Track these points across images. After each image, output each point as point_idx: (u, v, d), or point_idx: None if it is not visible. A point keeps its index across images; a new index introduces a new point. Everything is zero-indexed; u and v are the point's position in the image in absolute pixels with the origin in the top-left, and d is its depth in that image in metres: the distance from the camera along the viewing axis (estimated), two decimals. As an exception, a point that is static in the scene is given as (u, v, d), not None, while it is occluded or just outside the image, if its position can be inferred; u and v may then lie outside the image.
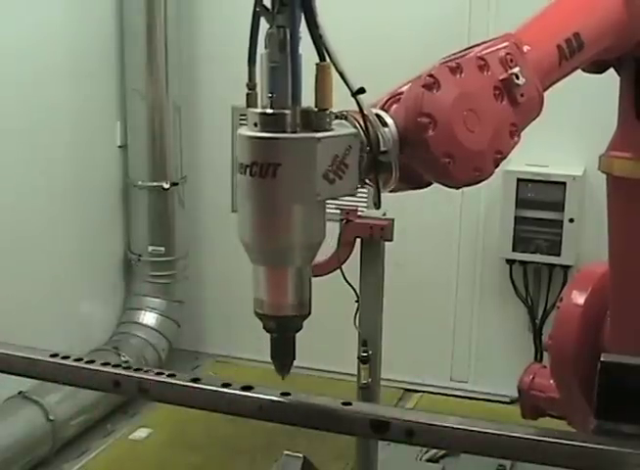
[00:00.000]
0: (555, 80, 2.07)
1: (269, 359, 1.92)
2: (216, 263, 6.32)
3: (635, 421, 1.53)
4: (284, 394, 1.60)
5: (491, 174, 1.78)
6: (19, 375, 2.16)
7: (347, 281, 4.03)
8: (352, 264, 4.04)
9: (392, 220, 3.99)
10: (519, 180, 5.24)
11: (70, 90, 5.26)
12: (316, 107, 1.66)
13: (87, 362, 2.07)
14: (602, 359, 1.59)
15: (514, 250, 5.38)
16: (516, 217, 5.29)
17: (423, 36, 5.33)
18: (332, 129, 1.66)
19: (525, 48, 1.93)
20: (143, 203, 5.92)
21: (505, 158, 1.80)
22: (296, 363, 1.88)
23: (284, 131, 1.58)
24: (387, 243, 4.05)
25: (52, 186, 5.19)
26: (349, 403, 1.53)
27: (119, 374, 1.93)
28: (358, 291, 4.06)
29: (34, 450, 4.74)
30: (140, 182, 5.83)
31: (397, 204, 5.05)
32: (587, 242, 5.37)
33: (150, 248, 5.96)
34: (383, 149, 1.76)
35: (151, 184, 5.84)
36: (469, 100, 1.75)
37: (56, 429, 4.85)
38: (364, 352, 4.10)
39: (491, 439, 1.44)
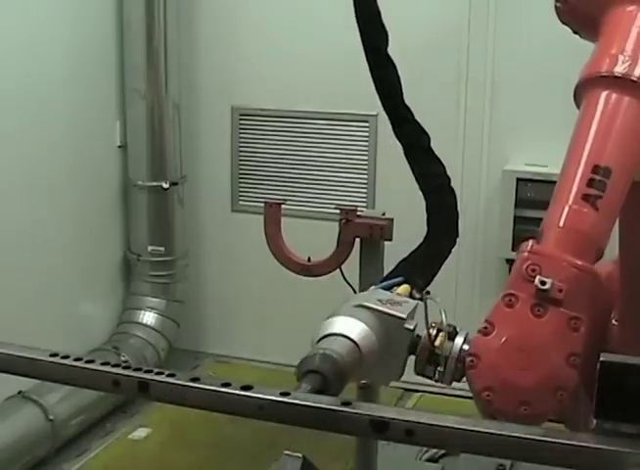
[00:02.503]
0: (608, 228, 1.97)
1: (269, 359, 1.93)
2: (216, 263, 6.33)
3: (635, 421, 1.53)
4: (284, 394, 1.58)
5: (551, 411, 1.85)
6: (18, 375, 2.17)
7: (347, 281, 4.01)
8: (352, 264, 4.03)
9: (392, 220, 3.98)
10: (518, 180, 5.23)
11: (70, 90, 5.26)
12: None
13: (87, 362, 2.07)
14: (602, 359, 1.57)
15: (513, 250, 5.27)
16: (515, 217, 5.28)
17: (423, 37, 5.35)
18: None
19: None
20: (143, 203, 5.92)
21: (569, 392, 1.84)
22: (296, 363, 1.89)
23: None
24: (386, 243, 4.02)
25: (52, 186, 5.20)
26: (349, 403, 1.53)
27: (119, 374, 1.90)
28: (358, 291, 4.01)
29: (34, 450, 4.75)
30: (140, 182, 5.83)
31: (397, 203, 5.09)
32: None
33: (150, 248, 5.96)
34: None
35: (150, 184, 5.85)
36: (519, 341, 1.78)
37: (55, 429, 4.86)
38: None
39: (491, 439, 1.44)
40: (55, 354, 2.19)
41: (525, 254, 1.78)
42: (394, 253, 4.46)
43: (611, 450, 1.44)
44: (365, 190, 5.76)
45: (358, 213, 4.04)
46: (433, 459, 4.63)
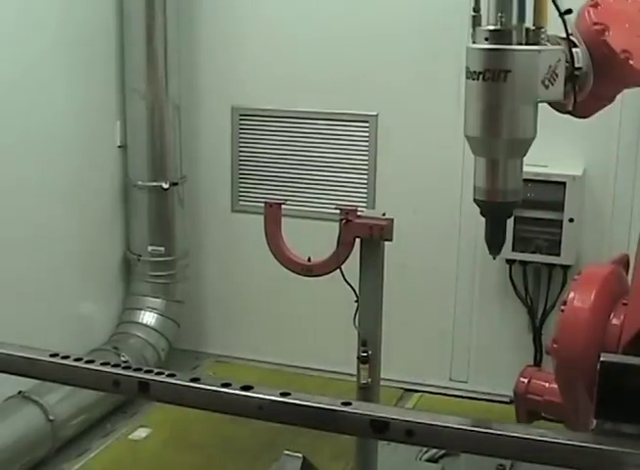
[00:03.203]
0: None
1: (269, 359, 1.93)
2: (216, 263, 6.33)
3: (635, 421, 1.53)
4: (284, 394, 1.59)
5: None
6: (19, 375, 2.17)
7: (347, 281, 4.02)
8: (352, 264, 4.03)
9: (392, 220, 3.99)
10: (518, 180, 5.25)
11: (70, 90, 5.27)
12: (534, 25, 2.05)
13: (87, 362, 2.08)
14: (602, 359, 1.61)
15: (514, 249, 5.36)
16: (515, 217, 5.20)
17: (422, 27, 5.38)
18: (546, 44, 2.07)
19: None
20: (143, 203, 5.92)
21: None
22: (296, 363, 1.91)
23: (511, 43, 1.98)
24: (386, 243, 4.02)
25: (53, 186, 5.22)
26: (349, 403, 1.53)
27: (119, 374, 1.94)
28: (358, 291, 4.05)
29: (34, 450, 4.74)
30: (140, 182, 5.83)
31: (397, 204, 5.08)
32: (586, 242, 5.39)
33: (150, 248, 5.95)
34: (578, 65, 2.19)
35: (150, 184, 5.84)
36: (625, 14, 2.27)
37: (56, 429, 4.85)
38: (364, 351, 4.10)
39: (491, 439, 1.44)
40: (55, 355, 2.21)
41: None
42: (395, 253, 4.50)
43: (610, 451, 1.45)
44: (365, 190, 5.75)
45: (358, 214, 4.04)
46: (432, 459, 4.63)
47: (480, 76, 1.94)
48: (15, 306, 4.87)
